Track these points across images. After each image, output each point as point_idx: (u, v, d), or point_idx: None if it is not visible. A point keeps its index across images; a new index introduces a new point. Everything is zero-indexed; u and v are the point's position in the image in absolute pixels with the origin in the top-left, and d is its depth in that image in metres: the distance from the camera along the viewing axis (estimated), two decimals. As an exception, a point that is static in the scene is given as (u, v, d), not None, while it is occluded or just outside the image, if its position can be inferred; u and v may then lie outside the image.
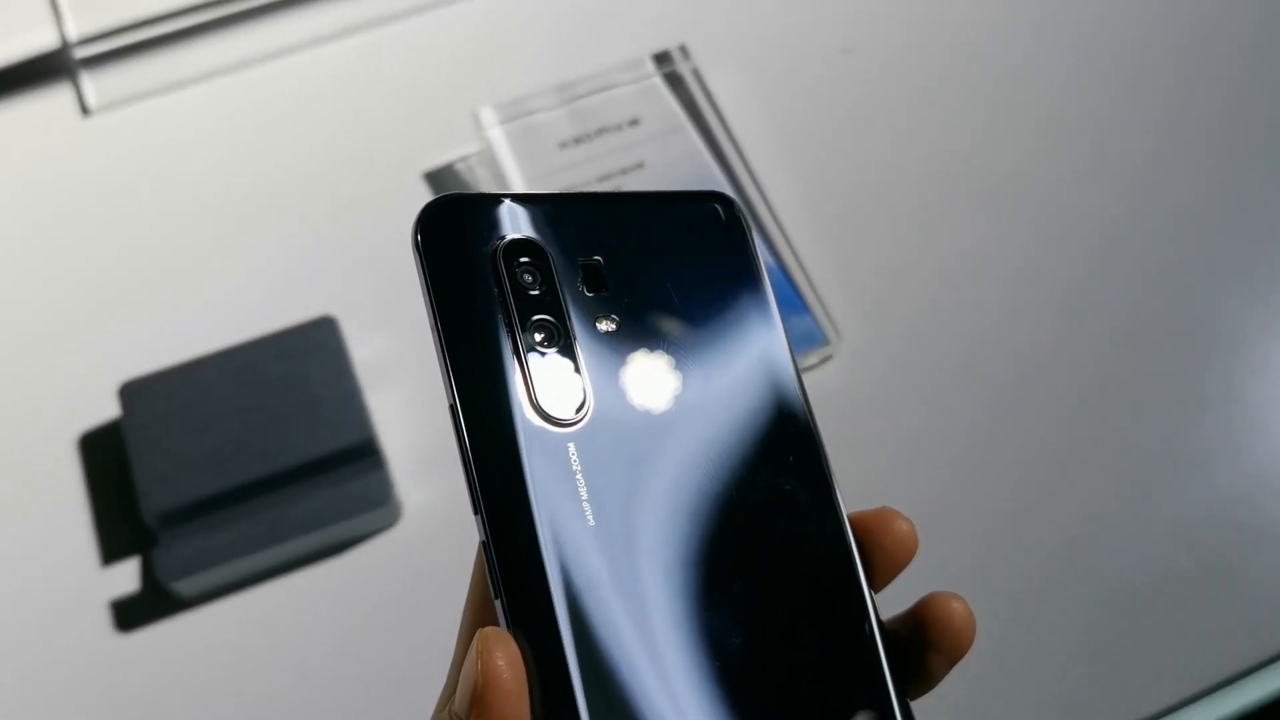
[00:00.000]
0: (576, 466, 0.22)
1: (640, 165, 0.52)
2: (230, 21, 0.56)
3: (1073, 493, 0.46)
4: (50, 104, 0.55)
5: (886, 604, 0.24)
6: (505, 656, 0.21)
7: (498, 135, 0.52)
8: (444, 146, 0.53)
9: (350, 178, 0.53)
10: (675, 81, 0.53)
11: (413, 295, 0.52)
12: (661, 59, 0.54)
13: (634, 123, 0.52)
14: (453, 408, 0.22)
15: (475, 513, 0.22)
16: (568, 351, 0.23)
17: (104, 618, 0.44)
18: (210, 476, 0.43)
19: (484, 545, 0.22)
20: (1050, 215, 0.52)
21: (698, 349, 0.24)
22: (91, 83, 0.55)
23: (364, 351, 0.48)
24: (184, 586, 0.43)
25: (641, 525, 0.22)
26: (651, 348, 0.24)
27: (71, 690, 0.42)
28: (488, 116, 0.52)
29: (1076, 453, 0.47)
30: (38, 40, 0.56)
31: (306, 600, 0.44)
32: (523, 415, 0.22)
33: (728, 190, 0.50)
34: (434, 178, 0.53)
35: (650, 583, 0.22)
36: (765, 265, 0.26)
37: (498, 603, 0.21)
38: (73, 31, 0.56)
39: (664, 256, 0.25)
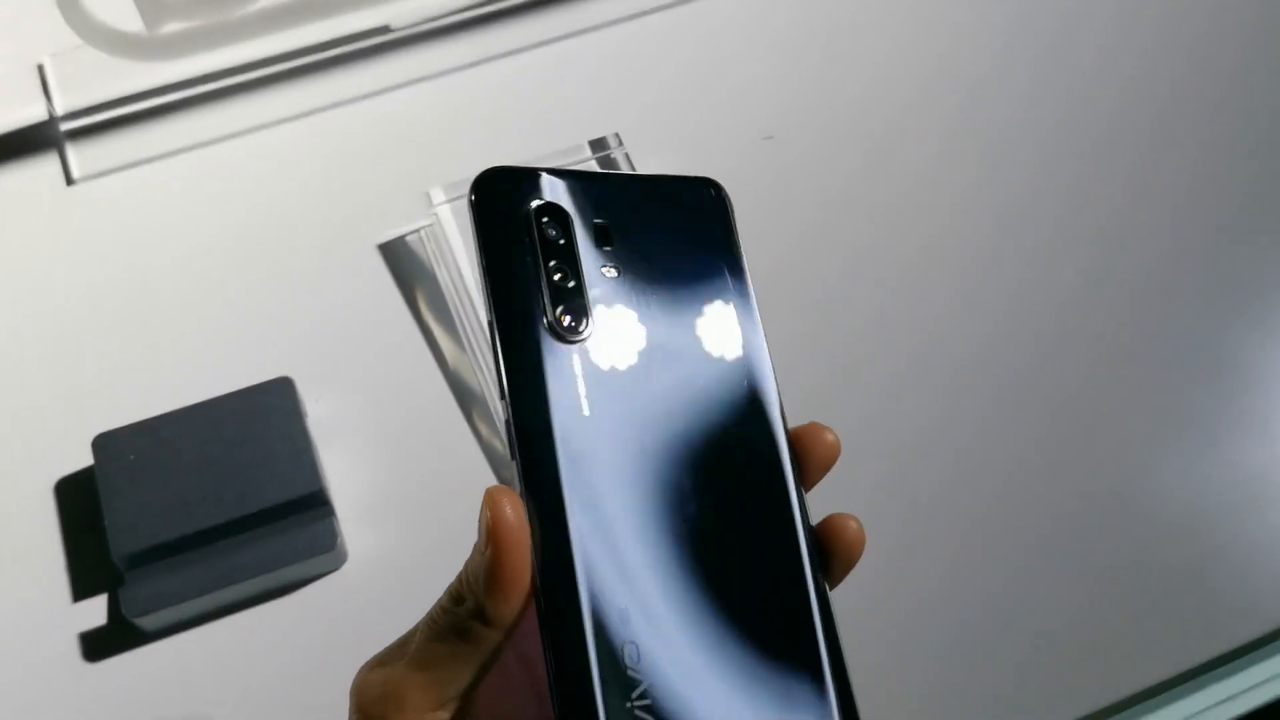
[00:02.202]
0: (578, 371, 0.29)
1: (574, 242, 0.57)
2: (204, 100, 0.61)
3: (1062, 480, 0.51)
4: (37, 173, 0.59)
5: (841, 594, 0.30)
6: (510, 503, 0.27)
7: (446, 212, 0.57)
8: (397, 221, 0.58)
9: (311, 248, 0.58)
10: (609, 166, 0.59)
11: (364, 359, 0.57)
12: (597, 144, 0.59)
13: (570, 203, 0.58)
14: (490, 323, 0.29)
15: (500, 398, 0.28)
16: (578, 289, 0.30)
17: (73, 649, 0.48)
18: (173, 522, 0.48)
19: (506, 423, 0.28)
20: (969, 295, 0.58)
21: (679, 293, 0.31)
22: (76, 154, 0.60)
23: (318, 409, 0.53)
24: (147, 622, 0.48)
25: (625, 422, 0.29)
26: (641, 291, 0.30)
27: (44, 712, 0.47)
28: (437, 195, 0.57)
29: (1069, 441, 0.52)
30: (27, 114, 0.61)
31: (258, 636, 0.49)
32: (541, 331, 0.29)
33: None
34: (387, 249, 0.58)
35: (630, 465, 0.28)
36: (739, 238, 0.32)
37: (514, 463, 0.28)
38: (60, 106, 0.61)
39: (659, 223, 0.31)
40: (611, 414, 0.29)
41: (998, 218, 0.60)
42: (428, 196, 0.57)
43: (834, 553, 0.29)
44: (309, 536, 0.49)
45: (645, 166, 0.59)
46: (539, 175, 0.30)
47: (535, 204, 0.30)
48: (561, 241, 0.30)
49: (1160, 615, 0.50)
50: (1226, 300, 0.58)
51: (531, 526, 0.27)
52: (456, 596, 0.28)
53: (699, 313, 0.31)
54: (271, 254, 0.58)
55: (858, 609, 0.33)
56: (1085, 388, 0.56)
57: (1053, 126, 0.63)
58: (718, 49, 0.65)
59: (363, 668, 0.30)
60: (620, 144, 0.59)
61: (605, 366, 0.29)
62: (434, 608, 0.29)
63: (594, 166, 0.59)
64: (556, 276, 0.29)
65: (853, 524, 0.30)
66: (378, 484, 0.52)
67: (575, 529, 0.27)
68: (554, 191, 0.30)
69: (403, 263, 0.57)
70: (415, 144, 0.61)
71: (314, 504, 0.50)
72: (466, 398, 0.54)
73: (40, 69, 0.62)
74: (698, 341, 0.30)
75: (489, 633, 0.27)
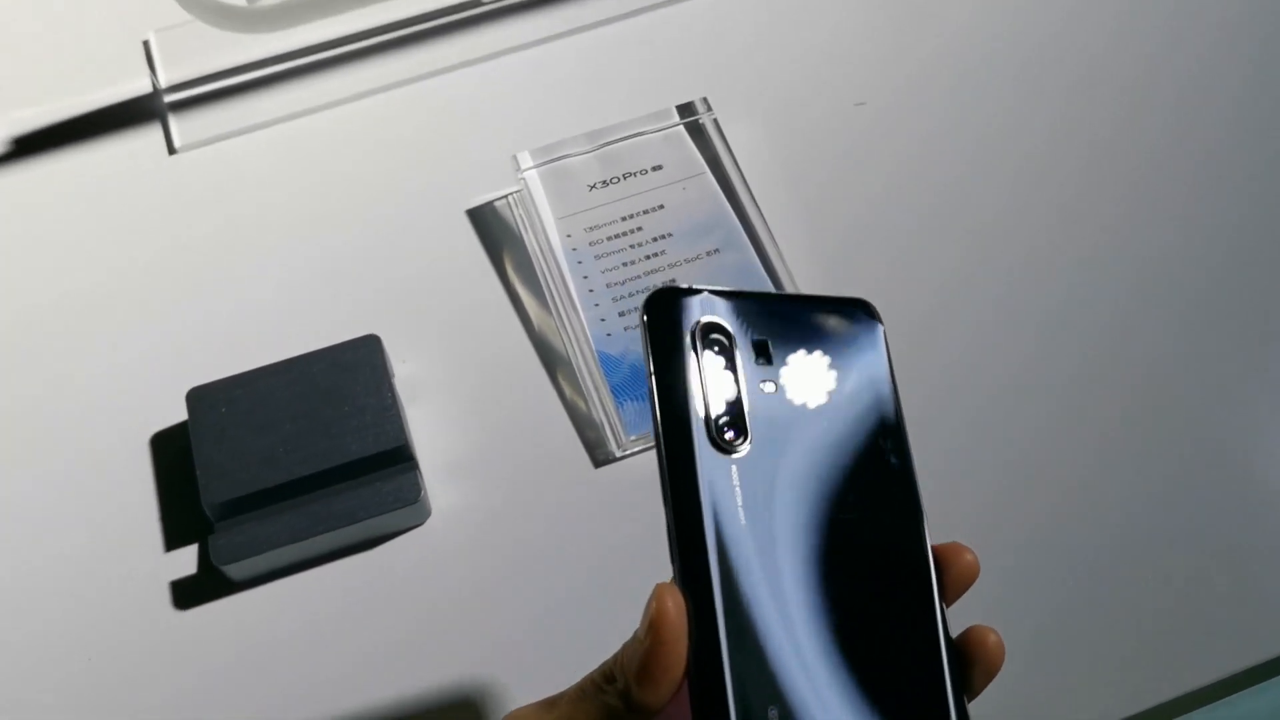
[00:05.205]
0: (736, 482, 0.30)
1: (661, 207, 0.56)
2: (299, 73, 0.63)
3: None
4: (141, 142, 0.61)
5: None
6: (673, 601, 0.28)
7: (533, 177, 0.57)
8: (485, 187, 0.58)
9: (401, 212, 0.58)
10: (697, 131, 0.58)
11: (452, 321, 0.57)
12: (685, 110, 0.59)
13: (657, 168, 0.57)
14: (656, 433, 0.31)
15: (664, 505, 0.30)
16: (738, 403, 0.31)
17: (165, 596, 0.49)
18: (262, 473, 0.49)
19: (668, 528, 0.30)
20: (1054, 257, 0.56)
21: (832, 409, 0.32)
22: (178, 125, 0.61)
23: (404, 369, 0.53)
24: (234, 570, 0.48)
25: (778, 531, 0.30)
26: (797, 407, 0.32)
27: (135, 657, 0.48)
28: (525, 160, 0.57)
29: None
30: (133, 87, 0.63)
31: (342, 587, 0.49)
32: (703, 444, 0.30)
33: (741, 231, 0.55)
34: (475, 214, 0.58)
35: (781, 573, 0.30)
36: (891, 358, 0.34)
37: (674, 566, 0.29)
38: (163, 79, 0.62)
39: (815, 340, 0.33)
40: (767, 522, 0.30)
41: (1095, 183, 0.58)
42: (516, 161, 0.57)
43: (974, 663, 0.31)
44: (394, 489, 0.49)
45: (734, 132, 0.58)
46: (704, 294, 0.32)
47: (700, 321, 0.32)
48: (723, 357, 0.32)
49: (1261, 593, 0.48)
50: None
51: (689, 625, 0.28)
52: (609, 675, 0.30)
53: (851, 428, 0.32)
54: (364, 219, 0.58)
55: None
56: (1187, 355, 0.53)
57: (1149, 85, 0.61)
58: (809, 14, 0.64)
59: (506, 716, 0.32)
60: (709, 109, 0.59)
61: (762, 477, 0.31)
62: (585, 679, 0.31)
63: (681, 131, 0.58)
64: (718, 390, 0.31)
65: (992, 636, 0.31)
66: (463, 443, 0.52)
67: (728, 632, 0.28)
68: (717, 309, 0.32)
69: (490, 228, 0.58)
70: (504, 112, 0.61)
71: (399, 458, 0.50)
72: (551, 360, 0.54)
73: (145, 44, 0.64)
74: (848, 456, 0.32)
75: (632, 718, 0.29)
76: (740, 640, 0.28)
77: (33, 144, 0.61)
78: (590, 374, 0.53)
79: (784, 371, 0.32)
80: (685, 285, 0.33)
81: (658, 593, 0.29)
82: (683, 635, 0.28)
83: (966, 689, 0.31)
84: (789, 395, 0.32)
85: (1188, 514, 0.50)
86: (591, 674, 0.31)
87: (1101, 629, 0.47)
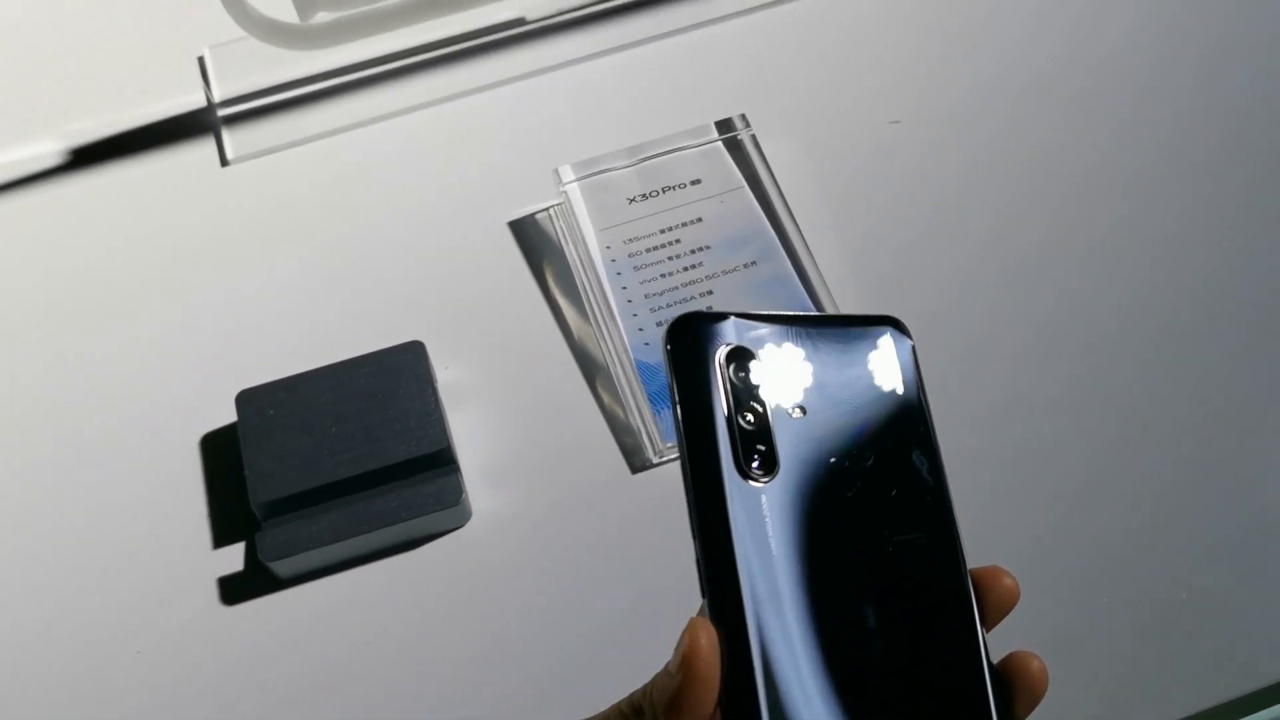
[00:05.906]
0: (766, 512, 0.30)
1: (699, 220, 0.58)
2: (348, 89, 0.65)
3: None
4: (195, 155, 0.63)
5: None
6: (706, 636, 0.28)
7: (574, 190, 0.58)
8: (527, 199, 0.60)
9: (446, 225, 0.60)
10: (735, 146, 0.59)
11: (493, 329, 0.58)
12: (723, 126, 0.60)
13: (696, 182, 0.59)
14: (683, 463, 0.30)
15: (693, 538, 0.29)
16: (765, 430, 0.30)
17: (213, 591, 0.50)
18: (308, 473, 0.50)
19: (697, 561, 0.29)
20: (1087, 282, 0.57)
21: (863, 431, 0.32)
22: (230, 138, 0.63)
23: (447, 375, 0.55)
24: (280, 567, 0.50)
25: (812, 561, 0.29)
26: (826, 431, 0.31)
27: (183, 650, 0.49)
28: (566, 174, 0.59)
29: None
30: (188, 101, 0.65)
31: (384, 586, 0.50)
32: (731, 473, 0.30)
33: (776, 240, 0.56)
34: (517, 226, 0.59)
35: (816, 603, 0.29)
36: (922, 376, 0.33)
37: (704, 601, 0.29)
38: (217, 94, 0.64)
39: (845, 362, 0.32)
40: (798, 552, 0.30)
41: (1127, 203, 0.59)
42: (557, 174, 0.58)
43: (1018, 690, 0.30)
44: (435, 491, 0.50)
45: (771, 147, 0.59)
46: (728, 319, 0.32)
47: (725, 348, 0.31)
48: (750, 383, 0.31)
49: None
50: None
51: (722, 661, 0.28)
52: (637, 708, 0.29)
53: (883, 450, 0.31)
54: (409, 230, 0.60)
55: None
56: (1224, 389, 0.54)
57: (1181, 107, 0.62)
58: (844, 34, 0.65)
59: None
60: (747, 125, 0.60)
61: (792, 505, 0.30)
62: (612, 708, 0.30)
63: (720, 147, 0.59)
64: (746, 418, 0.30)
65: (1035, 662, 0.30)
66: (503, 447, 0.53)
67: (761, 666, 0.28)
68: (742, 335, 0.31)
69: (532, 239, 0.59)
70: (547, 127, 0.63)
71: (441, 462, 0.51)
72: (590, 368, 0.55)
73: (200, 60, 0.66)
74: (882, 481, 0.31)
75: None
76: (775, 675, 0.28)
77: (91, 154, 0.63)
78: (628, 382, 0.54)
79: (812, 395, 0.32)
80: (708, 310, 0.32)
81: (690, 627, 0.28)
82: (715, 671, 0.28)
83: (1009, 718, 0.30)
84: (818, 419, 0.31)
85: (1200, 525, 0.50)
86: (619, 703, 0.30)
87: (1108, 642, 0.48)
